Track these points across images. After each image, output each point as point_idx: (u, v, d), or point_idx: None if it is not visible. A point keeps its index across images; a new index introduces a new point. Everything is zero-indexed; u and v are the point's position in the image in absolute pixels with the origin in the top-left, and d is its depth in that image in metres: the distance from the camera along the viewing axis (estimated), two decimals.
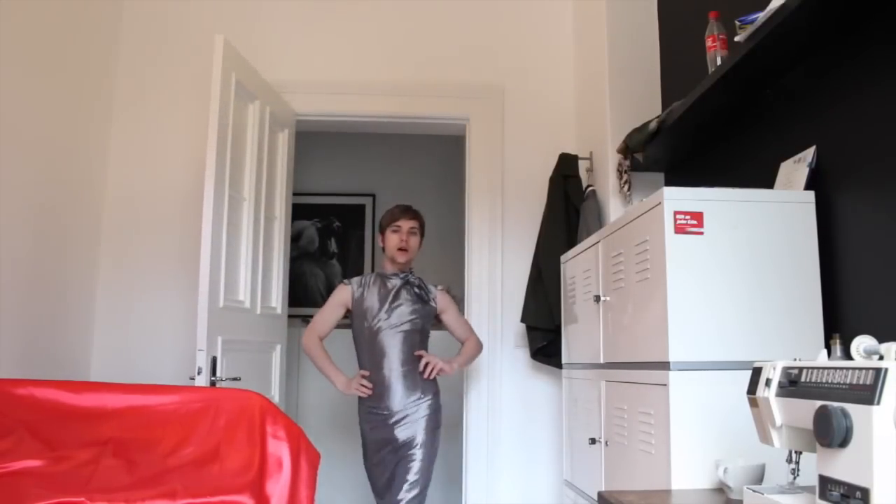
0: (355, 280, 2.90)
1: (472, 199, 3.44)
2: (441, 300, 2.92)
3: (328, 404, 4.42)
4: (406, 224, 2.85)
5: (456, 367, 2.86)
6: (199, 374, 2.48)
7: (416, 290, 2.87)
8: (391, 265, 2.88)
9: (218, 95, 2.67)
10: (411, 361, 2.79)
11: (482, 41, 3.53)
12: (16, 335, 2.63)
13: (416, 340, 2.82)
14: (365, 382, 2.75)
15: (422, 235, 2.93)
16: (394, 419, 2.75)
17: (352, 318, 2.89)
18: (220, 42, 2.70)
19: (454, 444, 3.60)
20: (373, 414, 2.78)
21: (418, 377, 2.79)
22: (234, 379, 2.63)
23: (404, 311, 2.81)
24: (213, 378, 2.53)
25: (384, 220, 2.90)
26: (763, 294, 1.67)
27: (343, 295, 2.90)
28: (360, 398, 2.80)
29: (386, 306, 2.81)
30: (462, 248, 3.49)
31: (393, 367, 2.78)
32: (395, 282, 2.86)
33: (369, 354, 2.80)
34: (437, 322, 2.96)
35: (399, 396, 2.76)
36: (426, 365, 2.77)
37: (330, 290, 5.43)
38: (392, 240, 2.85)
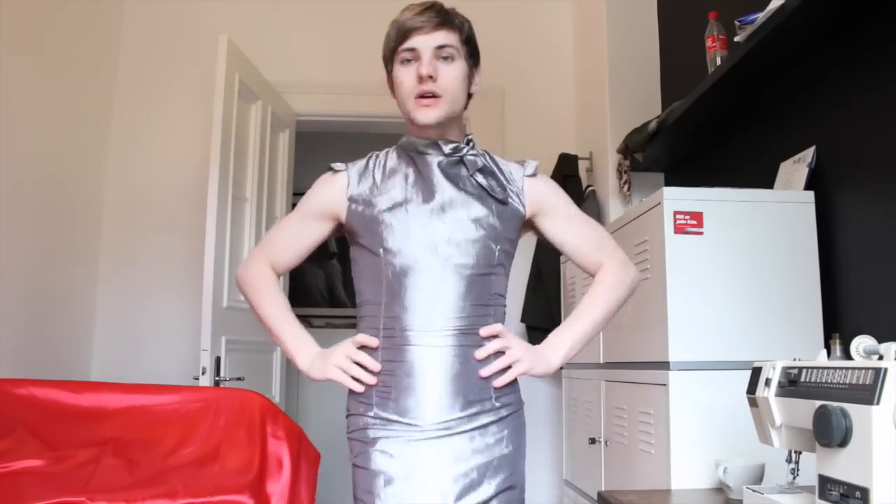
0: (354, 165, 1.46)
1: None
2: (536, 187, 1.43)
3: (328, 404, 4.42)
4: (427, 40, 1.34)
5: (562, 358, 1.37)
6: (203, 374, 2.48)
7: (484, 174, 1.39)
8: (418, 132, 1.40)
9: (222, 96, 2.67)
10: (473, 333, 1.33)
11: (482, 41, 3.48)
12: (16, 335, 2.63)
13: (485, 288, 1.36)
14: (366, 360, 1.33)
15: (473, 60, 1.42)
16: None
17: (350, 244, 1.43)
18: (223, 42, 2.70)
19: None
20: (386, 424, 1.31)
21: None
22: (238, 379, 2.63)
23: (463, 221, 1.35)
24: (216, 378, 2.54)
25: (385, 41, 1.45)
26: (763, 294, 1.67)
27: (328, 192, 1.43)
28: (350, 394, 1.37)
29: (423, 211, 1.35)
30: None
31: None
32: (437, 159, 1.38)
33: (387, 314, 1.33)
34: (532, 232, 1.51)
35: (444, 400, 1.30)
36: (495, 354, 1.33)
37: (330, 289, 5.48)
38: (404, 80, 1.36)
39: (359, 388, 1.32)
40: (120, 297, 3.25)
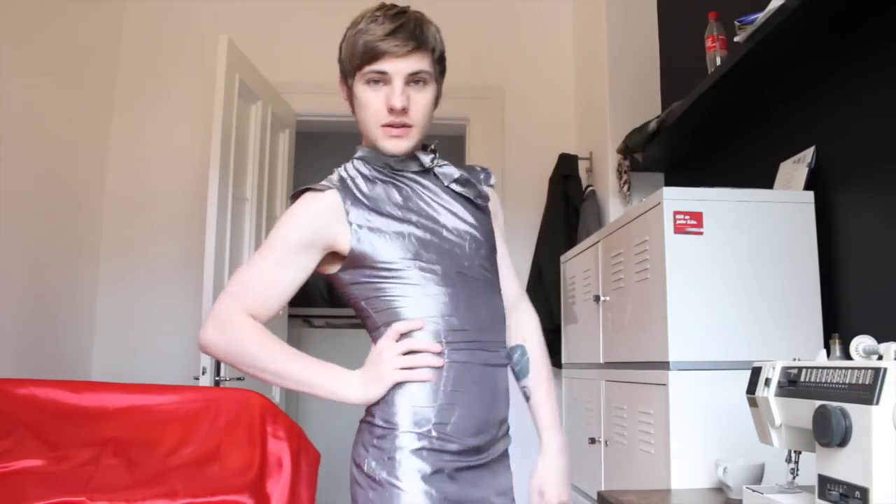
0: (334, 180, 1.29)
1: None
2: (494, 200, 1.41)
3: (329, 404, 4.41)
4: (400, 65, 1.20)
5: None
6: (203, 373, 2.48)
7: (459, 182, 1.31)
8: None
9: (222, 96, 2.67)
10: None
11: (482, 41, 3.53)
12: (16, 335, 2.63)
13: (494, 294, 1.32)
14: (418, 345, 1.20)
15: (442, 76, 1.29)
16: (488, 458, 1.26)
17: (342, 270, 1.25)
18: (223, 42, 2.70)
19: None
20: (433, 451, 1.18)
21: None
22: (238, 379, 2.63)
23: (464, 229, 1.29)
24: (217, 378, 2.54)
25: (347, 52, 1.30)
26: (762, 294, 1.67)
27: (314, 217, 1.23)
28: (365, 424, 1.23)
29: (428, 220, 1.26)
30: None
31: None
32: (425, 160, 1.30)
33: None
34: None
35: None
36: None
37: (330, 290, 5.46)
38: (370, 103, 1.23)
39: (429, 377, 1.19)
40: (120, 297, 3.25)
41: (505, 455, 1.31)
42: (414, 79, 1.21)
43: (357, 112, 1.28)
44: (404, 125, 1.22)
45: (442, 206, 1.27)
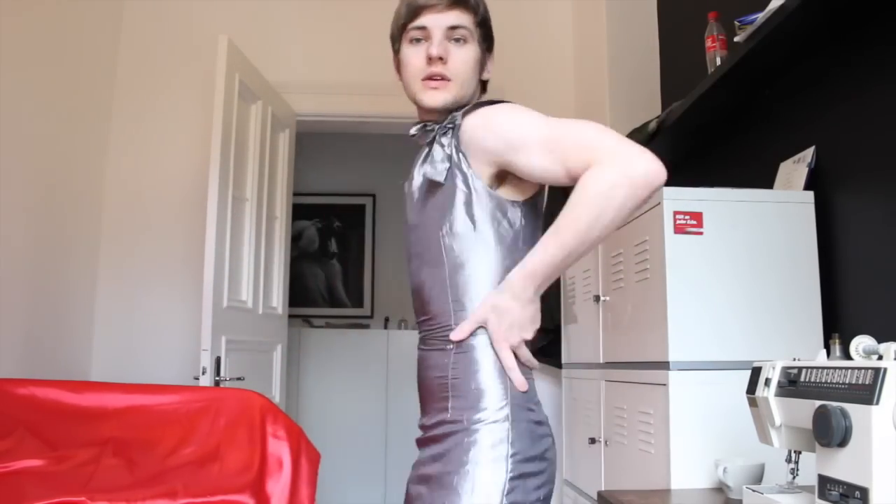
0: None
1: None
2: (464, 134, 1.20)
3: (328, 404, 4.42)
4: (439, 18, 1.23)
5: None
6: (203, 374, 2.48)
7: (430, 155, 1.24)
8: (422, 115, 1.30)
9: (222, 96, 2.67)
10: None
11: None
12: (16, 335, 2.63)
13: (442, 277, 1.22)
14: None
15: (487, 45, 1.29)
16: None
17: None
18: (223, 42, 2.70)
19: None
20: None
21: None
22: (238, 379, 2.63)
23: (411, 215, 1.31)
24: (216, 378, 2.54)
25: (394, 19, 1.32)
26: (762, 294, 1.67)
27: None
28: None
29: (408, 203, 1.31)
30: None
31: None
32: (413, 129, 1.30)
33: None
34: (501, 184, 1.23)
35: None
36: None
37: (330, 289, 5.48)
38: (411, 60, 1.25)
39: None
40: (120, 297, 3.25)
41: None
42: (454, 35, 1.23)
43: (402, 75, 1.29)
44: (443, 77, 1.22)
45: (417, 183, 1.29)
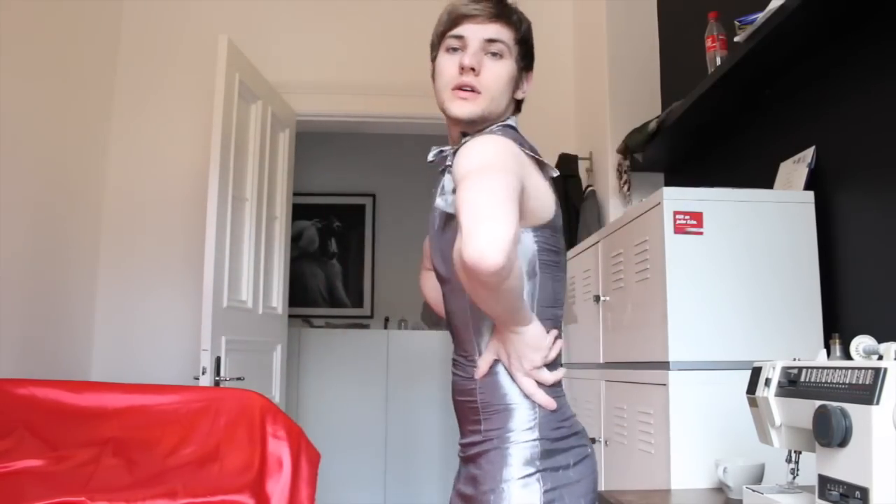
0: None
1: None
2: (457, 167, 1.07)
3: (328, 404, 4.42)
4: (478, 30, 1.20)
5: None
6: (203, 374, 2.48)
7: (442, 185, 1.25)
8: (453, 128, 1.26)
9: (222, 96, 2.67)
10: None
11: None
12: (16, 335, 2.63)
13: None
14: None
15: (525, 63, 1.25)
16: None
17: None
18: (223, 42, 2.70)
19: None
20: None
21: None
22: (238, 379, 2.63)
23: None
24: (216, 378, 2.54)
25: (435, 26, 1.29)
26: (762, 294, 1.67)
27: None
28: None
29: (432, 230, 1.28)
30: None
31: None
32: (430, 154, 1.31)
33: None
34: None
35: None
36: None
37: (330, 290, 5.49)
38: (444, 68, 1.23)
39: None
40: (120, 297, 3.25)
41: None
42: (491, 48, 1.19)
43: (435, 82, 1.25)
44: (473, 89, 1.18)
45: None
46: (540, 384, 1.16)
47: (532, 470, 1.12)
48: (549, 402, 1.15)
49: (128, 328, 3.23)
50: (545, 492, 1.11)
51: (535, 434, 1.14)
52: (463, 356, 1.23)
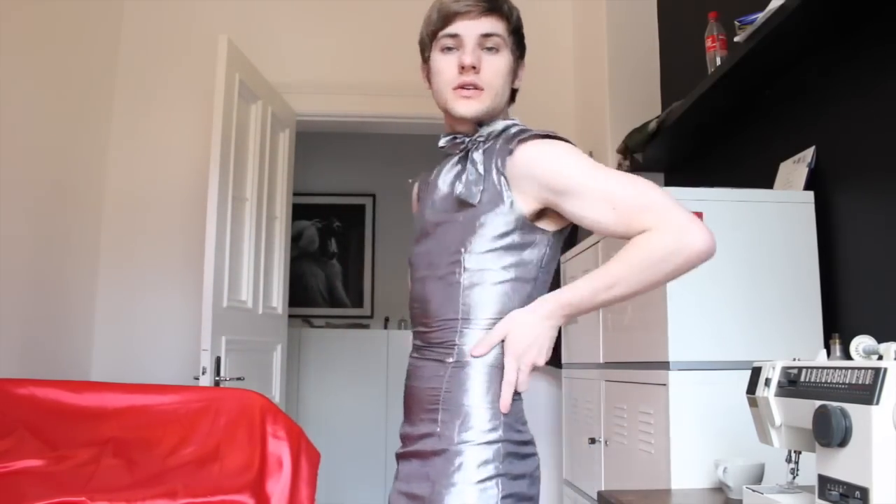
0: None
1: None
2: (515, 163, 1.17)
3: (328, 404, 4.42)
4: (472, 26, 1.19)
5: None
6: (203, 374, 2.48)
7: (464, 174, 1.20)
8: (457, 125, 1.27)
9: (222, 96, 2.67)
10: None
11: None
12: (16, 335, 2.63)
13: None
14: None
15: (519, 52, 1.27)
16: None
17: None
18: (223, 42, 2.70)
19: None
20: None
21: None
22: (238, 379, 2.63)
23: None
24: (216, 378, 2.54)
25: (424, 25, 1.26)
26: (762, 294, 1.67)
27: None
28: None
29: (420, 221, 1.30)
30: None
31: None
32: (441, 141, 1.28)
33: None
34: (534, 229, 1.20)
35: None
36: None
37: (330, 289, 5.49)
38: (443, 69, 1.22)
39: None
40: (120, 297, 3.25)
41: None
42: (487, 43, 1.20)
43: (433, 83, 1.26)
44: (476, 87, 1.20)
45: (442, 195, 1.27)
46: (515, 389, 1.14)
47: (492, 473, 1.09)
48: (507, 405, 1.13)
49: (128, 328, 3.23)
50: (502, 498, 1.09)
51: (493, 437, 1.11)
52: (436, 341, 1.18)
